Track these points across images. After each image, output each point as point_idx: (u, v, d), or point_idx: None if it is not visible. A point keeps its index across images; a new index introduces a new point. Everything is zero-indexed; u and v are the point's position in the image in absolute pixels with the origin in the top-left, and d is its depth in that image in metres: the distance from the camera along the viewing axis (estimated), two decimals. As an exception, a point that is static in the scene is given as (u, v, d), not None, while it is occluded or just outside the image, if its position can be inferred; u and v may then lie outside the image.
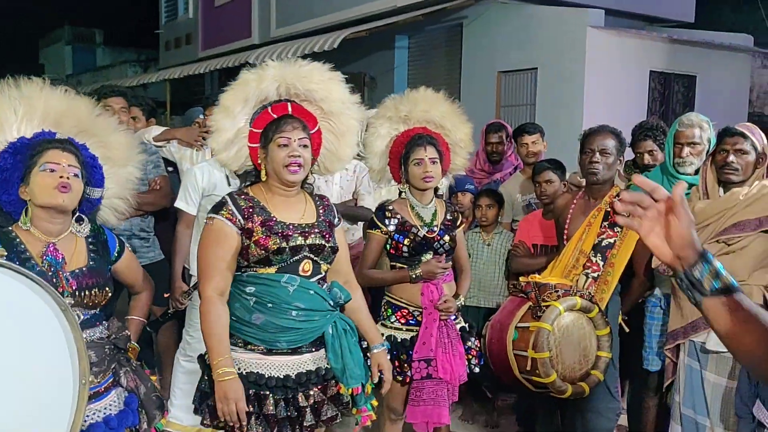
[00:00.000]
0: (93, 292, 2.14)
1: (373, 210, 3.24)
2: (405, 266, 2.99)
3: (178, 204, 3.62)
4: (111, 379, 2.21)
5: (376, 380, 2.54)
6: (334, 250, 2.41)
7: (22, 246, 2.07)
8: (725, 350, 2.84)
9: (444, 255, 3.02)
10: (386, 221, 2.99)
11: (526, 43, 7.97)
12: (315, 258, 2.32)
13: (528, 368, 2.93)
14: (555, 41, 7.67)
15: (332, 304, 2.36)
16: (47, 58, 29.42)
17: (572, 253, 3.15)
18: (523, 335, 2.98)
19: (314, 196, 2.47)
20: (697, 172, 3.18)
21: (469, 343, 3.12)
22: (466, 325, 3.16)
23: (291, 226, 2.29)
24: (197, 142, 4.14)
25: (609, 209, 3.11)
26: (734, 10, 11.00)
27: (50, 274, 2.05)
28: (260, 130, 2.32)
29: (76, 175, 2.12)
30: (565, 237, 3.22)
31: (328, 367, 2.34)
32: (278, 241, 2.23)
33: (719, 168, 2.93)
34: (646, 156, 3.82)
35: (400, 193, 3.10)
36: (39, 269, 2.03)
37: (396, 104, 3.13)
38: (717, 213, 2.88)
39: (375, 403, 2.46)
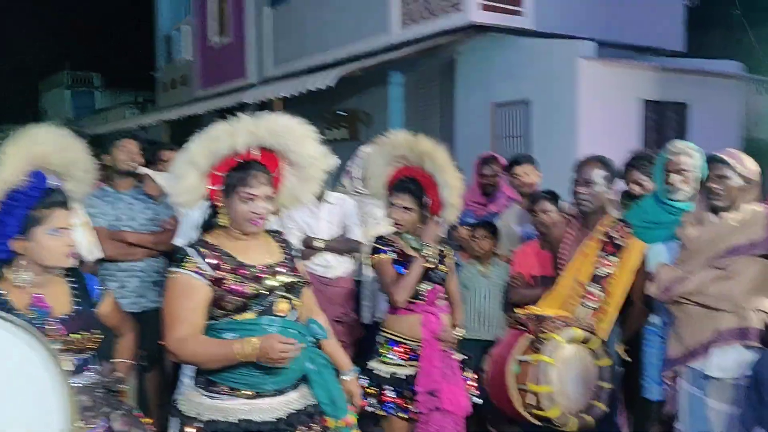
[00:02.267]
0: (82, 335, 2.14)
1: (361, 242, 3.18)
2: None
3: (176, 242, 3.65)
4: (104, 423, 2.18)
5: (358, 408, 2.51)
6: (304, 283, 2.39)
7: (5, 298, 2.07)
8: (726, 376, 2.82)
9: (440, 284, 3.06)
10: (386, 248, 3.04)
11: (519, 75, 8.06)
12: (288, 296, 2.29)
13: (531, 402, 2.90)
14: (547, 73, 7.76)
15: (311, 341, 2.32)
16: (47, 102, 29.73)
17: (569, 283, 3.15)
18: (524, 369, 2.96)
19: (270, 232, 2.43)
20: (689, 198, 3.20)
21: (469, 374, 3.12)
22: (464, 357, 3.16)
23: (261, 268, 2.25)
24: None
25: (604, 239, 3.12)
26: (723, 38, 11.14)
27: (37, 323, 2.04)
28: (223, 174, 2.25)
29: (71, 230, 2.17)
30: (561, 267, 3.22)
31: (314, 403, 2.32)
32: (254, 286, 2.19)
33: (706, 195, 2.96)
34: (635, 186, 3.83)
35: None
36: (24, 319, 2.00)
37: (393, 143, 3.14)
38: (709, 239, 2.89)
39: None
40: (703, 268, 2.87)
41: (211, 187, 2.26)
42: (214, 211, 2.31)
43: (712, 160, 2.94)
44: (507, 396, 3.00)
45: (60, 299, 2.17)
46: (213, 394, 2.19)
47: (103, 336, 2.24)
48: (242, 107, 12.28)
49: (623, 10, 8.99)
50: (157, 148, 4.23)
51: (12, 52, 30.25)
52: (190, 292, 2.15)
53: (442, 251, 3.14)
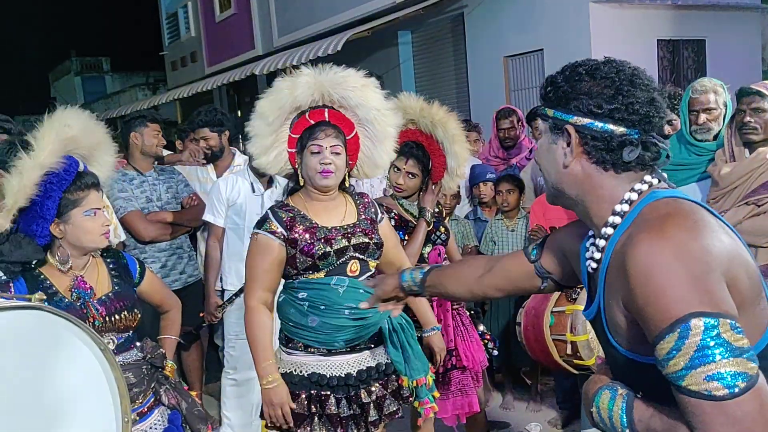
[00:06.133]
0: (123, 315, 2.18)
1: None
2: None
3: (206, 217, 3.69)
4: (153, 398, 2.25)
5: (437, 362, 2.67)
6: (379, 245, 2.44)
7: (48, 282, 2.11)
8: None
9: (442, 245, 3.08)
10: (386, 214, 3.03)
11: (530, 25, 7.92)
12: (361, 257, 2.36)
13: (568, 352, 2.91)
14: (559, 20, 7.61)
15: None
16: (58, 90, 29.83)
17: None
18: (559, 319, 2.96)
19: (354, 195, 2.50)
20: (715, 137, 3.14)
21: (482, 328, 3.19)
22: (473, 312, 3.25)
23: (333, 230, 2.33)
24: (198, 161, 4.27)
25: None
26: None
27: (79, 304, 2.09)
28: (298, 136, 2.37)
29: (104, 211, 2.20)
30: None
31: (389, 361, 2.41)
32: (322, 247, 2.27)
33: (738, 129, 2.90)
34: (666, 126, 3.75)
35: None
36: (67, 302, 2.07)
37: (405, 107, 3.10)
38: (744, 175, 2.84)
39: (437, 394, 2.52)
40: (737, 204, 2.84)
41: (289, 150, 2.39)
42: (295, 176, 2.42)
43: (746, 93, 2.87)
44: (545, 348, 3.01)
45: (100, 280, 2.21)
46: (290, 350, 2.35)
47: (141, 314, 2.29)
48: (252, 79, 12.29)
49: (633, -51, 8.76)
50: (194, 127, 4.24)
51: (19, 43, 30.32)
52: (266, 252, 2.29)
53: (440, 212, 3.18)
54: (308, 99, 2.33)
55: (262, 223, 2.33)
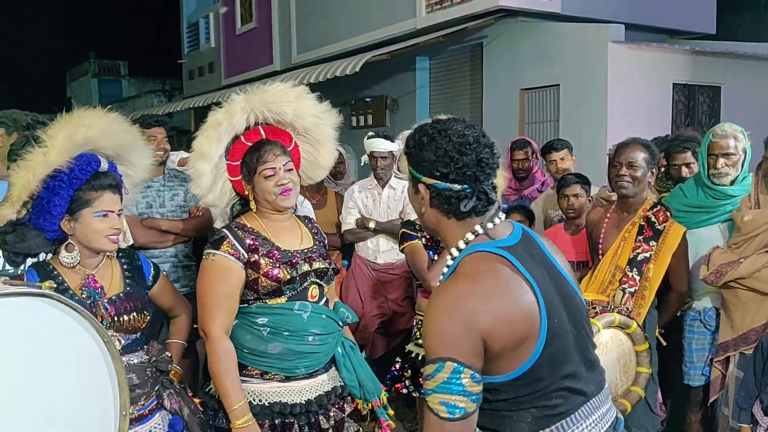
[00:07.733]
0: (132, 316, 2.17)
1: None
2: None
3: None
4: (155, 402, 2.22)
5: None
6: (336, 271, 2.40)
7: (60, 278, 2.11)
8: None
9: None
10: (418, 233, 3.04)
11: (548, 60, 7.97)
12: (320, 282, 2.30)
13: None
14: (576, 57, 7.66)
15: (340, 324, 2.36)
16: (74, 91, 30.03)
17: (608, 268, 3.12)
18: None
19: (302, 218, 2.45)
20: (733, 182, 3.15)
21: None
22: None
23: (295, 254, 2.26)
24: None
25: (643, 223, 3.10)
26: (755, 20, 10.91)
27: (89, 303, 2.08)
28: (238, 162, 2.27)
29: (119, 214, 2.18)
30: (600, 252, 3.20)
31: (343, 384, 2.35)
32: (288, 271, 2.20)
33: (764, 177, 2.91)
34: (683, 168, 3.71)
35: None
36: (77, 299, 2.05)
37: None
38: (765, 223, 2.85)
39: (391, 412, 2.47)
40: (758, 252, 2.84)
41: (232, 179, 2.29)
42: (243, 201, 2.34)
43: None
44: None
45: (112, 280, 2.20)
46: (245, 378, 2.21)
47: (151, 317, 2.27)
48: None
49: (654, -7, 8.86)
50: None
51: (38, 41, 30.62)
52: (227, 275, 2.16)
53: None
54: (244, 124, 2.26)
55: (219, 243, 2.18)
